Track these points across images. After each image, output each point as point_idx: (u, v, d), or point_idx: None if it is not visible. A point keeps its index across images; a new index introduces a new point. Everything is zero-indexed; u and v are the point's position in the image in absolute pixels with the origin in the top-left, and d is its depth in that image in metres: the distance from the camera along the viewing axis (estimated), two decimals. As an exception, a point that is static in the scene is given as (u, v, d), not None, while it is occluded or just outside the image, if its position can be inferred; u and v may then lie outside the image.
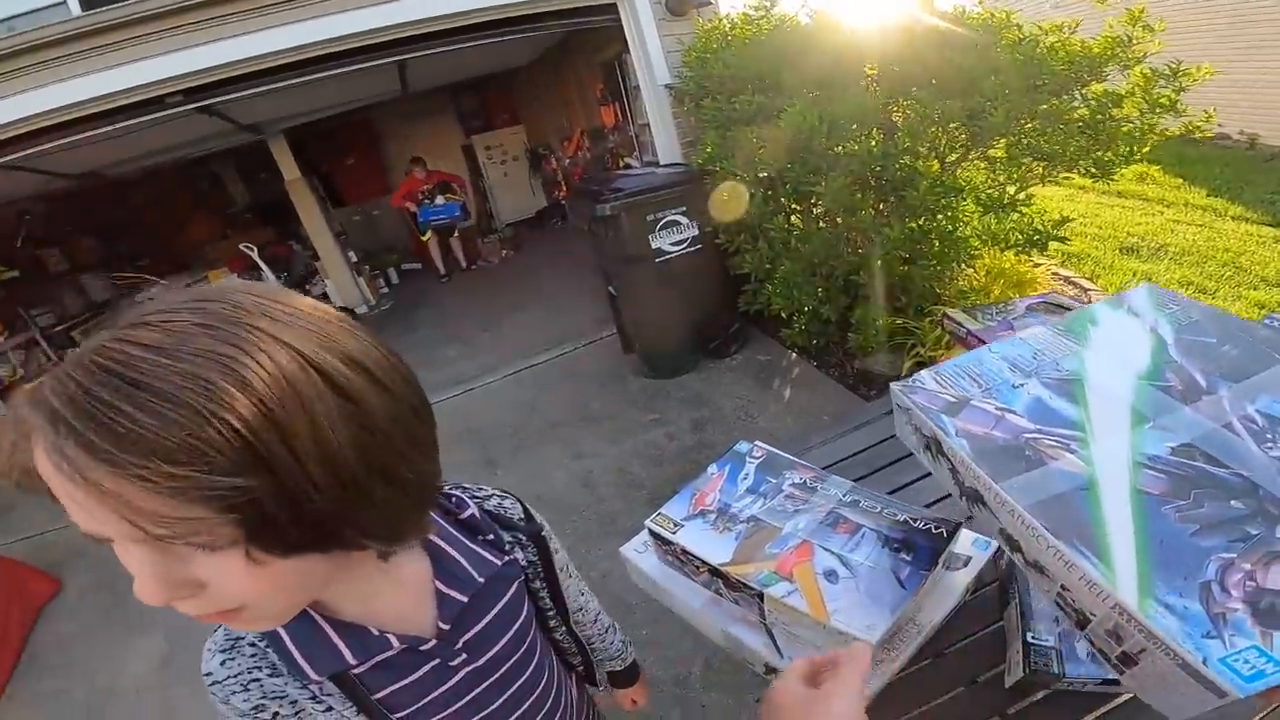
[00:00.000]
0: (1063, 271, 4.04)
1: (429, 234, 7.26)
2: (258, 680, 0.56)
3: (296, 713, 0.59)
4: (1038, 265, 3.89)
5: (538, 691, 0.79)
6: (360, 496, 0.43)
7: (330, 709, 0.60)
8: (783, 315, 3.45)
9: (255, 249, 6.68)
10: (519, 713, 0.76)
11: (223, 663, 0.56)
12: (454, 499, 0.73)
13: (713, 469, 1.00)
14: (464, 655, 0.67)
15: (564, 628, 0.87)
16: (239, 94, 3.91)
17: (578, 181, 6.78)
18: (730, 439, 3.11)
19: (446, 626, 0.65)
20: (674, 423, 3.35)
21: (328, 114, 6.46)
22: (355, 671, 0.60)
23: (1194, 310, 0.73)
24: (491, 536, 0.72)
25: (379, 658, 0.61)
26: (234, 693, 0.56)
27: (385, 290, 7.65)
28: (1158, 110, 2.47)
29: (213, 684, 0.56)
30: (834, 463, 1.30)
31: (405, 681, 0.64)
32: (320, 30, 3.68)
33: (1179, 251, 4.29)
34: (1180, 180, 5.43)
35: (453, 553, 0.68)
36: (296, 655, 0.57)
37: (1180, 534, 0.52)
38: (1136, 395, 0.64)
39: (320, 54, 3.78)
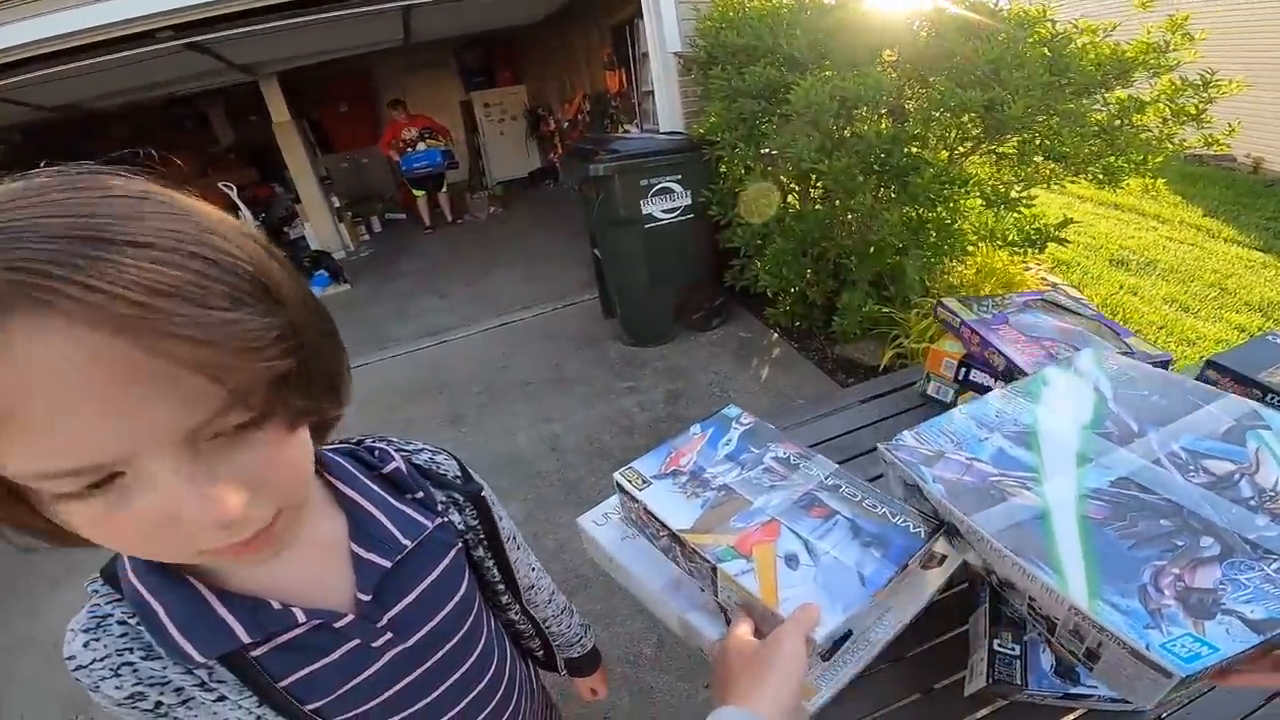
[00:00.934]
0: (1051, 278, 4.01)
1: (421, 193, 7.02)
2: (130, 665, 0.47)
3: (184, 701, 0.49)
4: (1028, 269, 3.86)
5: (488, 677, 0.69)
6: (321, 340, 0.40)
7: (223, 698, 0.49)
8: (768, 294, 3.38)
9: (234, 189, 6.49)
10: (466, 701, 0.66)
11: (86, 644, 0.47)
12: (376, 451, 0.62)
13: (695, 429, 0.93)
14: (389, 635, 0.56)
15: (517, 606, 0.77)
16: (232, 32, 3.71)
17: (574, 141, 6.63)
18: (704, 413, 3.07)
19: (367, 598, 0.54)
20: (648, 392, 3.28)
21: (326, 58, 6.20)
22: (254, 654, 0.50)
23: (1130, 369, 0.87)
24: (421, 495, 0.62)
25: (283, 637, 0.51)
26: (103, 679, 0.47)
27: (366, 237, 7.48)
28: (1181, 119, 2.41)
29: (77, 669, 0.47)
30: (809, 445, 1.25)
31: (317, 666, 0.53)
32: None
33: (1168, 268, 4.28)
34: (1179, 198, 5.42)
35: (373, 510, 0.58)
36: (175, 634, 0.47)
37: (1120, 548, 0.63)
38: (1081, 441, 0.77)
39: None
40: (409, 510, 0.60)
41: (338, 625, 0.53)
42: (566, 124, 7.55)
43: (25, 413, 0.29)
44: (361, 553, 0.55)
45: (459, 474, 0.69)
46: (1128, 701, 0.74)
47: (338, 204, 7.05)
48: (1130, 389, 0.84)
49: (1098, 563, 0.62)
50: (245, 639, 0.48)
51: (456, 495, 0.66)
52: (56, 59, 3.45)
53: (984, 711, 0.82)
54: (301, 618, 0.50)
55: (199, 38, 3.72)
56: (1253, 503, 0.66)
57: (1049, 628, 0.65)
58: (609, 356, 3.70)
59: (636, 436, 2.96)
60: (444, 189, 7.19)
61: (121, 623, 0.48)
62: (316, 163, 7.03)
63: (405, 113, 6.76)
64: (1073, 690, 0.75)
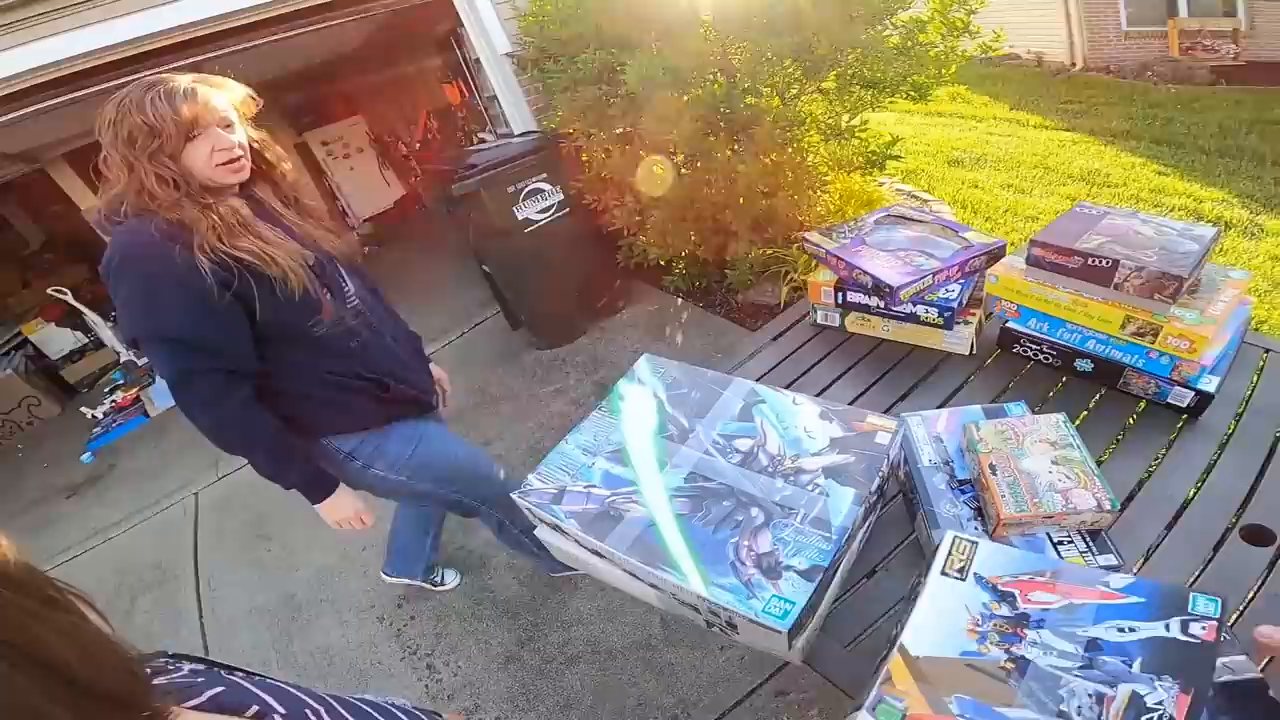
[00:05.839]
0: (904, 187, 4.37)
1: None
2: None
3: None
4: (882, 184, 4.19)
5: None
6: None
7: None
8: (662, 263, 3.48)
9: (69, 291, 5.84)
10: None
11: None
12: None
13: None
14: None
15: None
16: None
17: (429, 164, 6.40)
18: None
19: None
20: (576, 389, 3.31)
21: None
22: None
23: (674, 370, 1.00)
24: None
25: None
26: None
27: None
28: (955, 32, 2.70)
29: None
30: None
31: None
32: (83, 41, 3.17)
33: (996, 159, 4.77)
34: (986, 97, 6.01)
35: None
36: None
37: (707, 535, 0.75)
38: (655, 447, 0.87)
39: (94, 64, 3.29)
40: None
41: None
42: (418, 145, 7.34)
43: None
44: None
45: None
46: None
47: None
48: (676, 389, 0.96)
49: (699, 552, 0.73)
50: None
51: None
52: None
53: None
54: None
55: None
56: (770, 470, 0.79)
57: (696, 609, 0.75)
58: (527, 366, 3.68)
59: (576, 433, 2.99)
60: None
61: None
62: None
63: None
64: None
